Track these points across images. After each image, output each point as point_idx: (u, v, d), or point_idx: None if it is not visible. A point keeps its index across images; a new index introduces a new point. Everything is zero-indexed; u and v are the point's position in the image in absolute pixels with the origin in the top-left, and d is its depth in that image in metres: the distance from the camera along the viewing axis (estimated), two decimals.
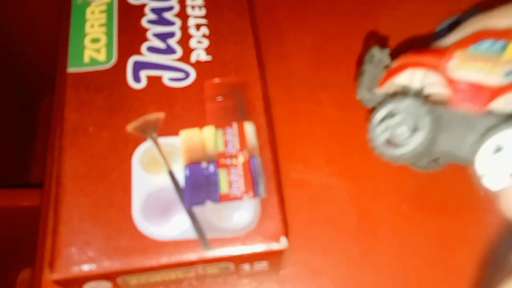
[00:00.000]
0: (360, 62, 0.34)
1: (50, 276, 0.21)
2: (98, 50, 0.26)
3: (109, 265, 0.21)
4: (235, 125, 0.24)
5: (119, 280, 0.22)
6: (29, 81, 0.64)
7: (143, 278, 0.22)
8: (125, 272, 0.21)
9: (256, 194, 0.22)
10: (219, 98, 0.25)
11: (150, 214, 0.22)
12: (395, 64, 0.23)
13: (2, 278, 0.57)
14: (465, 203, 0.30)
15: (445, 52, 0.21)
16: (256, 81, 0.25)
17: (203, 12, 0.28)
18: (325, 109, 0.33)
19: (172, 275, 0.22)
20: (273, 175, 0.23)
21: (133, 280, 0.22)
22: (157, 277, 0.22)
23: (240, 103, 0.25)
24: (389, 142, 0.24)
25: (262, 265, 0.23)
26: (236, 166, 0.23)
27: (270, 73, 0.33)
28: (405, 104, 0.22)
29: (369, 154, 0.30)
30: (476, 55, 0.20)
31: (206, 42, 0.27)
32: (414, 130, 0.22)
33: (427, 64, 0.21)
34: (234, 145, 0.24)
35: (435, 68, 0.21)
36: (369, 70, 0.25)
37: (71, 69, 0.26)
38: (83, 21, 0.28)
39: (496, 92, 0.20)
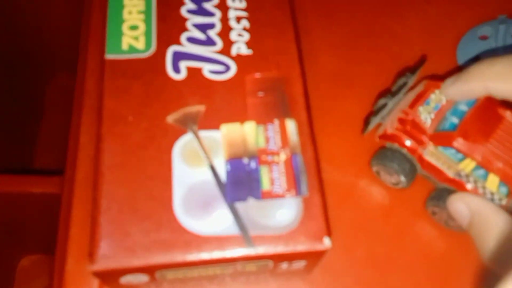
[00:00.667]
0: (385, 63, 0.34)
1: (89, 268, 0.20)
2: (136, 38, 0.26)
3: (150, 258, 0.21)
4: (276, 121, 0.24)
5: (157, 274, 0.21)
6: (36, 62, 0.62)
7: (181, 273, 0.22)
8: (166, 266, 0.21)
9: (298, 192, 0.22)
10: (260, 93, 0.25)
11: (191, 208, 0.22)
12: (390, 131, 0.28)
13: (2, 265, 0.56)
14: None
15: (423, 143, 0.27)
16: (297, 77, 0.25)
17: (243, 4, 0.27)
18: (351, 108, 0.33)
19: (211, 271, 0.22)
20: (315, 173, 0.23)
21: (171, 274, 0.22)
22: (195, 272, 0.22)
23: (282, 99, 0.24)
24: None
25: (300, 264, 0.23)
26: (278, 163, 0.23)
27: None
28: (391, 166, 0.29)
29: None
30: (442, 154, 0.27)
31: (246, 36, 0.26)
32: (397, 182, 0.30)
33: (409, 148, 0.28)
34: (275, 142, 0.23)
35: (413, 151, 0.28)
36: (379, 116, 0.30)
37: (109, 56, 0.25)
38: (120, 7, 0.27)
39: (448, 180, 0.27)
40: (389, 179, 0.30)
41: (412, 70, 0.30)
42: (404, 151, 0.28)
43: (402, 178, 0.29)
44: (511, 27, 0.34)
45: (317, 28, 0.36)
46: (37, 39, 0.61)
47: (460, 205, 0.26)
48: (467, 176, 0.26)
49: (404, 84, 0.29)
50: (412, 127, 0.28)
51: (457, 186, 0.27)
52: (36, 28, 0.60)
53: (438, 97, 0.28)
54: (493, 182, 0.25)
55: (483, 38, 0.34)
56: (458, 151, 0.26)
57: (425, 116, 0.27)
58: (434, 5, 0.37)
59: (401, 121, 0.28)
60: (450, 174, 0.27)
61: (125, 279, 0.22)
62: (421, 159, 0.28)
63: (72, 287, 0.28)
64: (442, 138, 0.26)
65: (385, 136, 0.29)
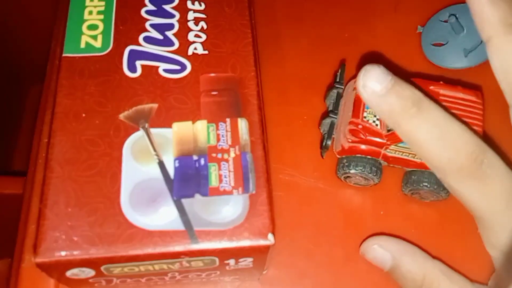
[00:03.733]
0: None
1: (33, 259, 0.20)
2: (94, 37, 0.26)
3: (94, 251, 0.21)
4: (228, 120, 0.24)
5: (103, 268, 0.22)
6: (17, 69, 0.63)
7: (127, 268, 0.22)
8: (110, 259, 0.21)
9: (246, 189, 0.22)
10: (214, 93, 0.25)
11: (138, 203, 0.22)
12: (347, 145, 0.29)
13: None
14: (447, 215, 0.30)
15: (383, 145, 0.28)
16: (252, 78, 0.26)
17: (202, 7, 0.28)
18: (317, 113, 0.33)
19: (157, 266, 0.22)
20: (263, 172, 0.23)
21: (117, 269, 0.22)
22: (142, 267, 0.22)
23: (235, 99, 0.25)
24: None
25: (247, 261, 0.23)
26: (227, 160, 0.23)
27: (265, 73, 0.33)
28: (361, 172, 0.29)
29: None
30: (404, 148, 0.28)
31: (204, 37, 0.27)
32: (368, 183, 0.31)
33: (371, 153, 0.29)
34: (226, 140, 0.24)
35: (377, 154, 0.29)
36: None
37: (66, 54, 0.26)
38: (82, 7, 0.27)
39: (417, 165, 0.29)
40: (359, 181, 0.31)
41: (339, 79, 0.31)
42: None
43: (376, 179, 0.30)
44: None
45: (287, 35, 0.37)
46: (18, 46, 0.61)
47: (381, 252, 0.28)
48: None
49: (338, 95, 0.31)
50: (367, 134, 0.28)
51: (425, 167, 0.28)
52: (16, 35, 0.60)
53: None
54: None
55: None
56: None
57: (373, 119, 0.28)
58: (401, 13, 0.38)
59: (354, 132, 0.28)
60: (418, 160, 0.28)
61: (71, 273, 0.22)
62: (386, 157, 0.29)
63: (28, 284, 0.28)
64: (397, 135, 0.27)
65: (344, 151, 0.29)
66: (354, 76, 0.31)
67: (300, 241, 0.30)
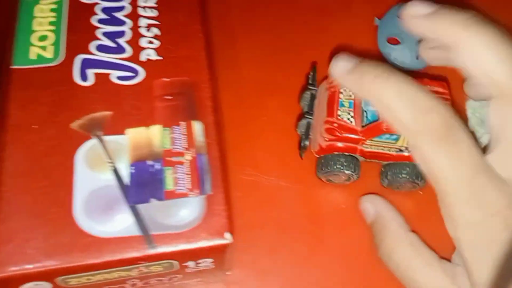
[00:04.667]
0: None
1: None
2: (44, 48, 0.26)
3: (48, 263, 0.20)
4: (183, 123, 0.24)
5: (59, 280, 0.21)
6: None
7: (84, 278, 0.22)
8: (65, 270, 0.21)
9: (202, 191, 0.22)
10: (168, 97, 0.25)
11: (92, 211, 0.22)
12: (324, 144, 0.30)
13: None
14: (406, 207, 0.31)
15: (359, 141, 0.29)
16: (205, 82, 0.26)
17: (155, 13, 0.28)
18: (274, 114, 0.34)
19: (115, 274, 0.22)
20: (219, 172, 0.23)
21: (74, 280, 0.22)
22: (99, 276, 0.22)
23: (189, 103, 0.25)
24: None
25: (207, 262, 0.23)
26: (182, 163, 0.23)
27: (222, 78, 0.34)
28: (342, 171, 0.30)
29: (316, 157, 0.31)
30: (379, 142, 0.29)
31: (157, 43, 0.27)
32: (348, 179, 0.31)
33: (348, 150, 0.30)
34: (181, 143, 0.24)
35: (354, 150, 0.30)
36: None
37: (16, 66, 0.25)
38: (30, 18, 0.27)
39: (393, 158, 0.30)
40: (340, 180, 0.31)
41: (311, 80, 0.32)
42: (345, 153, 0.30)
43: (355, 176, 0.30)
44: None
45: (242, 39, 0.37)
46: None
47: (368, 206, 0.30)
48: (407, 148, 0.29)
49: (312, 96, 0.31)
50: (343, 132, 0.29)
51: (402, 158, 0.30)
52: None
53: (345, 95, 0.29)
54: None
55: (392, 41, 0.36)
56: (391, 134, 0.28)
57: (347, 117, 0.29)
58: (358, 18, 0.39)
59: (330, 130, 0.29)
60: (393, 152, 0.30)
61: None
62: (362, 153, 0.30)
63: None
64: (372, 130, 0.28)
65: (322, 150, 0.30)
66: (325, 78, 0.32)
67: (263, 240, 0.30)
